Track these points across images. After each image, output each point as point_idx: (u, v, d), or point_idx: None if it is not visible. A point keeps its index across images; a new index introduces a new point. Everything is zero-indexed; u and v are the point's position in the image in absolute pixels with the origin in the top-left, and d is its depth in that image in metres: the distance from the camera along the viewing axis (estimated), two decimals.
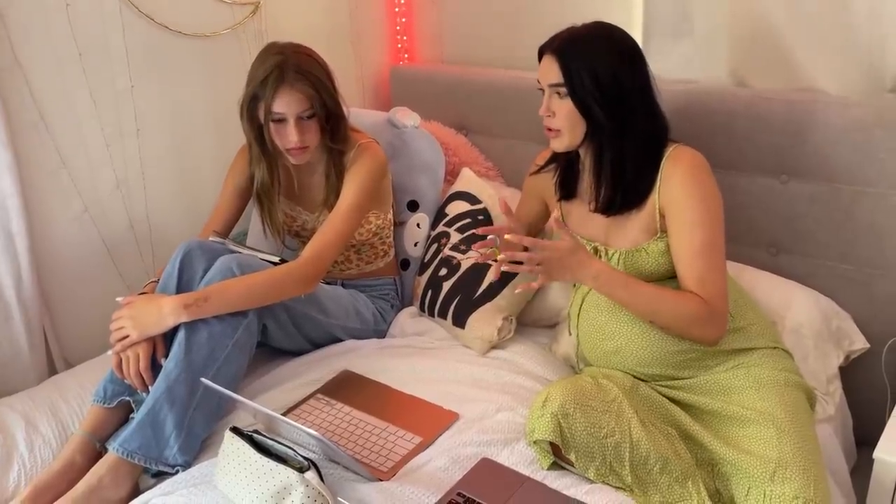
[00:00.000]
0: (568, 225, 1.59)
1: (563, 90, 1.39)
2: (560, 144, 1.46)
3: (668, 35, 1.96)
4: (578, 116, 1.40)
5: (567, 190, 1.58)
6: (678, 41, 1.95)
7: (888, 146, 1.65)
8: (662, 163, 1.43)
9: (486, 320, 1.71)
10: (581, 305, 1.54)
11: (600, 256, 1.50)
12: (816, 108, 1.70)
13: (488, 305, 1.74)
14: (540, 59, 1.45)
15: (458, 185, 2.02)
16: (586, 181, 1.53)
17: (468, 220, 1.91)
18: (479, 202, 1.94)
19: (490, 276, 1.50)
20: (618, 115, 1.39)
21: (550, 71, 1.41)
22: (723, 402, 1.39)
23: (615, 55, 1.40)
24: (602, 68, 1.37)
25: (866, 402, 1.74)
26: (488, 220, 1.90)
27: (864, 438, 1.69)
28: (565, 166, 1.56)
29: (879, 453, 1.39)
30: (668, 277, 1.46)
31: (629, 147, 1.41)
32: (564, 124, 1.42)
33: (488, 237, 1.37)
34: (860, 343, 1.71)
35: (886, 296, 1.71)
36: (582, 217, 1.55)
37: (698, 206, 1.39)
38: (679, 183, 1.40)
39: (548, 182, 1.63)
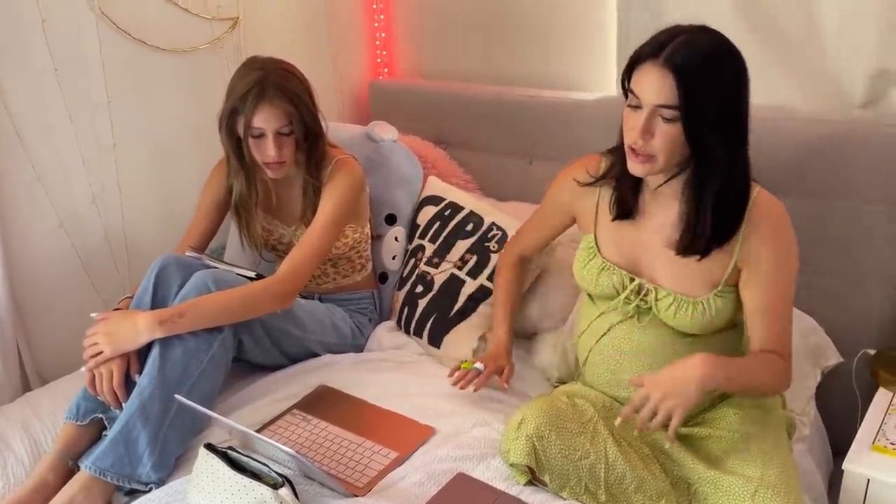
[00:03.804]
0: (604, 249, 1.40)
1: (673, 113, 1.17)
2: (646, 170, 1.24)
3: None
4: (683, 143, 1.19)
5: (623, 210, 1.36)
6: None
7: (858, 162, 1.68)
8: (748, 209, 1.27)
9: (461, 341, 1.72)
10: (594, 346, 1.44)
11: (646, 294, 1.35)
12: (787, 125, 1.73)
13: (463, 325, 1.74)
14: (635, 66, 1.21)
15: (424, 193, 2.04)
16: (652, 208, 1.35)
17: (437, 224, 1.93)
18: (444, 200, 1.96)
19: (454, 382, 1.51)
20: (731, 146, 1.20)
21: (660, 88, 1.16)
22: (707, 428, 1.37)
23: (734, 74, 1.19)
24: (726, 93, 1.18)
25: (838, 412, 1.76)
26: (455, 213, 1.91)
27: (840, 449, 1.70)
28: (627, 183, 1.34)
29: (848, 464, 1.41)
30: (696, 334, 1.35)
31: (735, 182, 1.24)
32: (663, 149, 1.20)
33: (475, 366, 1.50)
34: (835, 358, 1.72)
35: (857, 308, 1.74)
36: (632, 243, 1.37)
37: (787, 265, 1.30)
38: (772, 240, 1.27)
39: (587, 196, 1.43)
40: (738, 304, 1.34)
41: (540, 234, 1.61)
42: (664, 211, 1.33)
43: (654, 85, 1.17)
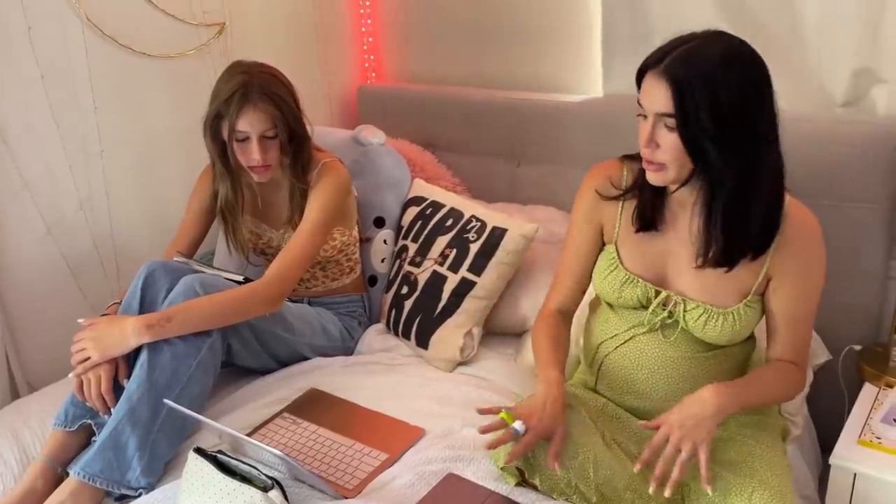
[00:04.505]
0: (626, 261, 1.37)
1: (672, 121, 1.17)
2: (661, 179, 1.24)
3: (629, 54, 2.00)
4: (687, 154, 1.19)
5: (646, 222, 1.33)
6: (639, 60, 1.99)
7: (840, 159, 1.70)
8: (782, 220, 1.25)
9: (447, 340, 1.73)
10: (611, 352, 1.41)
11: (675, 306, 1.33)
12: None
13: (449, 322, 1.75)
14: (641, 77, 1.21)
15: (409, 195, 2.06)
16: (680, 219, 1.32)
17: (419, 223, 1.94)
18: (426, 200, 1.98)
19: (482, 431, 1.26)
20: (738, 159, 1.17)
21: (658, 97, 1.16)
22: None
23: (745, 84, 1.15)
24: (727, 102, 1.14)
25: (826, 409, 1.77)
26: (436, 211, 1.92)
27: (828, 445, 1.71)
28: (650, 193, 1.32)
29: (835, 459, 1.42)
30: (721, 346, 1.35)
31: (753, 196, 1.21)
32: (670, 159, 1.20)
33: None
34: (824, 356, 1.73)
35: (841, 305, 1.75)
36: (657, 255, 1.35)
37: (816, 278, 1.31)
38: (806, 252, 1.28)
39: (611, 204, 1.39)
40: (762, 313, 1.35)
41: (576, 275, 1.44)
42: (689, 222, 1.31)
43: (654, 94, 1.17)
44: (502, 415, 1.25)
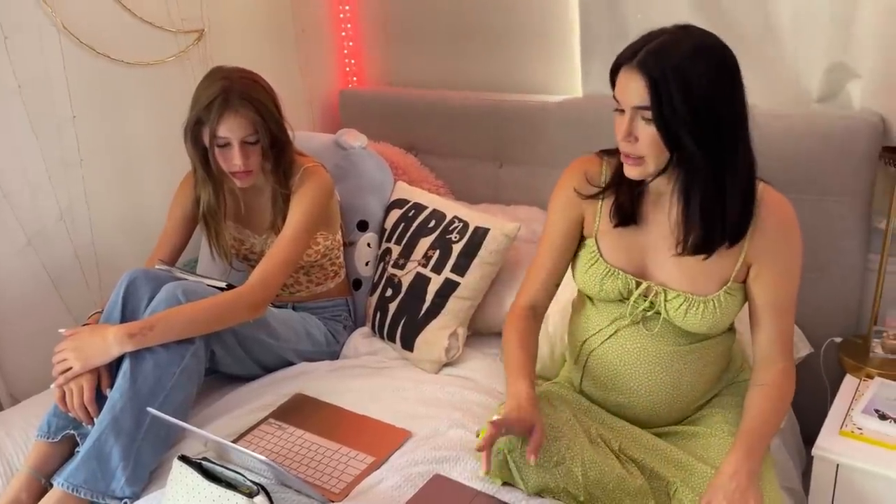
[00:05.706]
0: (607, 254, 1.37)
1: (649, 113, 1.18)
2: (640, 173, 1.25)
3: (608, 54, 2.00)
4: (664, 144, 1.20)
5: (625, 217, 1.34)
6: None
7: (817, 154, 1.72)
8: (755, 206, 1.27)
9: (432, 342, 1.73)
10: (595, 349, 1.41)
11: (656, 296, 1.34)
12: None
13: (433, 324, 1.75)
14: (616, 72, 1.23)
15: (392, 198, 2.06)
16: (659, 210, 1.33)
17: (402, 225, 1.94)
18: (408, 202, 1.98)
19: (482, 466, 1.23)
20: (712, 147, 1.19)
21: (634, 90, 1.18)
22: (695, 426, 1.40)
23: (715, 73, 1.18)
24: (699, 90, 1.16)
25: (808, 402, 1.79)
26: (419, 213, 1.93)
27: (811, 438, 1.73)
28: (628, 189, 1.33)
29: (818, 450, 1.44)
30: (705, 337, 1.36)
31: (728, 184, 1.22)
32: (649, 152, 1.21)
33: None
34: (805, 350, 1.75)
35: (821, 298, 1.77)
36: (638, 248, 1.36)
37: (795, 262, 1.32)
38: (782, 236, 1.30)
39: (589, 200, 1.40)
40: (743, 302, 1.36)
41: (549, 269, 1.43)
42: (668, 212, 1.32)
43: (629, 87, 1.19)
44: (482, 432, 1.23)
